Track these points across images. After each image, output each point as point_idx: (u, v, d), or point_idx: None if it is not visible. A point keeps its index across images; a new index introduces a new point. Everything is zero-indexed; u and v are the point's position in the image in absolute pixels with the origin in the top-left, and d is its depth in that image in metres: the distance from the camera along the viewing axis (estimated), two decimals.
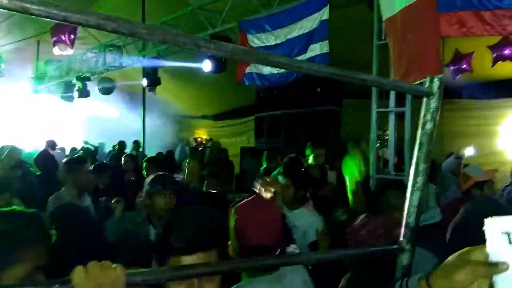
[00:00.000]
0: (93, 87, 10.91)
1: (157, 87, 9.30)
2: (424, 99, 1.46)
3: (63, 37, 7.21)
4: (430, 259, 2.02)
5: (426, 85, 1.46)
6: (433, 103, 1.45)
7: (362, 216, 1.95)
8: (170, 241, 1.20)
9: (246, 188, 4.71)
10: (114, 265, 0.89)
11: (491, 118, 7.85)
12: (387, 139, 4.30)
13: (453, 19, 3.34)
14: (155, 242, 1.26)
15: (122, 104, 12.54)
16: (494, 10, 3.27)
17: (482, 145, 7.43)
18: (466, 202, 1.98)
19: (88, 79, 10.78)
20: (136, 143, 9.94)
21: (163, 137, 12.28)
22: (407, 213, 1.51)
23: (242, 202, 1.85)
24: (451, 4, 3.34)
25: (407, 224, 1.53)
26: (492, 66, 6.06)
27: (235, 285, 1.68)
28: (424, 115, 1.46)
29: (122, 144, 10.08)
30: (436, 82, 1.45)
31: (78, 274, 0.86)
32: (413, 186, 1.51)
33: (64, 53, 8.13)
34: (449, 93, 7.03)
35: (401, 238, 1.53)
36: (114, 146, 10.58)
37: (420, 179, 1.50)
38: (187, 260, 1.16)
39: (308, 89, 8.94)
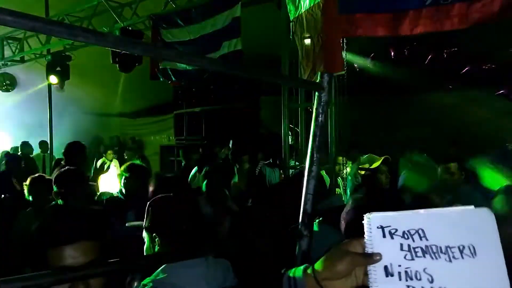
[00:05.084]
0: None
1: (67, 83, 8.69)
2: (316, 94, 1.56)
3: None
4: (333, 233, 2.20)
5: (317, 81, 1.56)
6: (324, 97, 1.55)
7: None
8: (51, 232, 1.16)
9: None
10: None
11: (393, 112, 8.60)
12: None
13: (352, 20, 3.59)
14: (31, 240, 1.20)
15: (26, 103, 11.46)
16: (388, 13, 3.59)
17: (389, 135, 8.14)
18: None
19: None
20: (43, 143, 9.11)
21: (75, 137, 11.47)
22: (304, 200, 1.60)
23: (159, 196, 1.90)
24: (350, 6, 3.60)
25: (304, 211, 1.61)
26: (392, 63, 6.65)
27: (160, 269, 1.67)
28: (316, 108, 1.55)
29: (25, 146, 9.12)
30: (326, 78, 1.55)
31: None
32: (308, 174, 1.60)
33: None
34: (356, 90, 7.55)
35: (300, 225, 1.63)
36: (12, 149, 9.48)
37: (314, 168, 1.60)
38: (69, 250, 1.13)
39: (227, 86, 9.00)
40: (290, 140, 4.86)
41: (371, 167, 3.28)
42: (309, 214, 1.61)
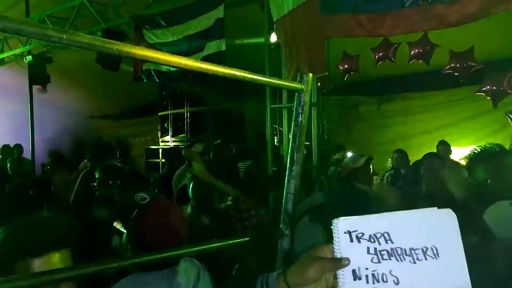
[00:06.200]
0: None
1: (49, 85, 8.54)
2: (296, 94, 1.58)
3: None
4: (321, 233, 2.22)
5: (297, 82, 1.58)
6: (303, 98, 1.57)
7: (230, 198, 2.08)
8: (18, 244, 1.12)
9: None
10: None
11: (377, 111, 8.72)
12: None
13: (334, 22, 3.63)
14: None
15: (6, 104, 11.23)
16: (369, 14, 3.63)
17: (371, 136, 8.25)
18: None
19: None
20: (17, 147, 8.83)
21: (57, 140, 11.30)
22: (285, 200, 1.62)
23: (144, 205, 1.85)
24: (332, 7, 3.63)
25: (285, 210, 1.63)
26: (376, 64, 6.69)
27: (124, 278, 1.65)
28: (296, 109, 1.57)
29: (7, 149, 8.82)
30: (305, 79, 1.57)
31: None
32: (289, 174, 1.61)
33: None
34: (339, 91, 7.64)
35: (281, 224, 1.64)
36: None
37: (295, 168, 1.61)
38: (38, 262, 1.09)
39: (212, 87, 8.98)
40: (275, 141, 4.89)
41: (355, 166, 3.32)
42: (290, 213, 1.63)
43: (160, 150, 10.18)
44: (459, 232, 0.81)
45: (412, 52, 5.15)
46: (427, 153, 3.55)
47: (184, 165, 4.64)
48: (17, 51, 8.42)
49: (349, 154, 4.13)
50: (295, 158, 1.59)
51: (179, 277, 1.73)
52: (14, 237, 1.13)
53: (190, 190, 3.08)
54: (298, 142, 1.58)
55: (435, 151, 5.69)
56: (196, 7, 4.73)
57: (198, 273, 1.85)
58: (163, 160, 9.40)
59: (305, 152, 4.40)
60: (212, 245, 1.46)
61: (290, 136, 1.65)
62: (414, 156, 6.13)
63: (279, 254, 1.63)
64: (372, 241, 0.82)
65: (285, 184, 1.62)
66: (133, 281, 1.61)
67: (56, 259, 1.11)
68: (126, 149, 9.15)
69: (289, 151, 1.61)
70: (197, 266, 1.88)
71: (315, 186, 3.71)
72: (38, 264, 1.09)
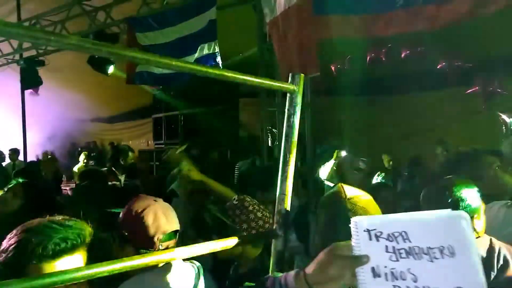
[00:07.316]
0: None
1: (42, 88, 8.48)
2: (288, 95, 1.58)
3: None
4: None
5: (289, 83, 1.58)
6: (295, 98, 1.57)
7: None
8: (30, 248, 1.10)
9: None
10: None
11: (369, 112, 8.73)
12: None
13: (327, 22, 3.64)
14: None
15: None
16: (361, 15, 3.65)
17: (364, 136, 8.26)
18: None
19: None
20: (14, 151, 8.74)
21: (50, 143, 11.22)
22: (278, 201, 1.61)
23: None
24: (324, 8, 3.64)
25: (278, 211, 1.62)
26: (368, 65, 6.73)
27: (126, 280, 1.64)
28: (288, 110, 1.57)
29: None
30: (297, 79, 1.57)
31: None
32: (282, 175, 1.61)
33: None
34: (332, 91, 7.66)
35: (274, 225, 1.63)
36: None
37: (288, 168, 1.61)
38: (51, 265, 1.09)
39: (205, 89, 8.96)
40: (269, 142, 4.88)
41: (351, 166, 3.33)
42: (283, 214, 1.63)
43: (154, 153, 10.14)
44: (473, 233, 0.83)
45: (404, 53, 5.19)
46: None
47: (176, 168, 4.59)
48: (8, 54, 8.36)
49: (344, 153, 4.14)
50: (287, 159, 1.59)
51: (181, 276, 1.72)
52: (29, 240, 1.12)
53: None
54: (290, 142, 1.58)
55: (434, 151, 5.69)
56: (188, 9, 4.73)
57: (198, 271, 1.85)
58: (157, 163, 9.36)
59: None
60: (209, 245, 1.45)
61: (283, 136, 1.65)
62: (408, 157, 6.17)
63: (273, 256, 1.62)
64: (390, 239, 0.84)
65: (278, 185, 1.61)
66: (138, 282, 1.59)
67: (69, 263, 1.11)
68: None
69: (281, 152, 1.61)
70: (197, 266, 1.88)
71: (309, 187, 3.71)
72: (51, 268, 1.08)
